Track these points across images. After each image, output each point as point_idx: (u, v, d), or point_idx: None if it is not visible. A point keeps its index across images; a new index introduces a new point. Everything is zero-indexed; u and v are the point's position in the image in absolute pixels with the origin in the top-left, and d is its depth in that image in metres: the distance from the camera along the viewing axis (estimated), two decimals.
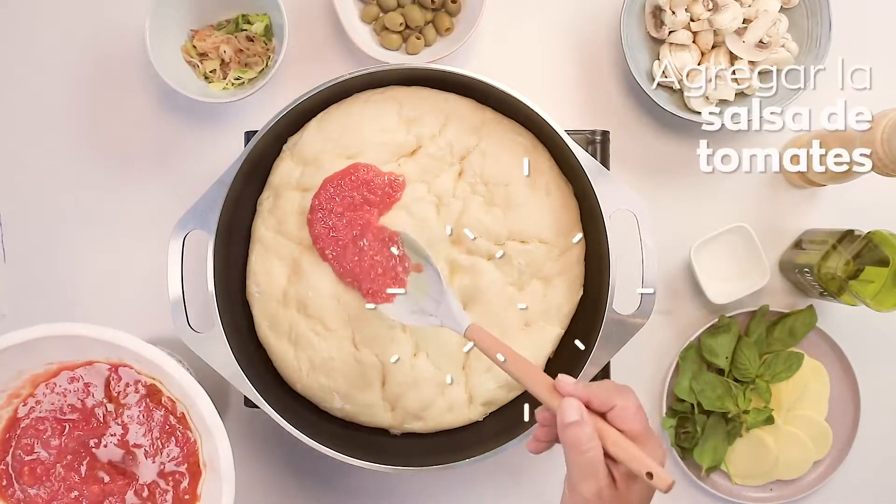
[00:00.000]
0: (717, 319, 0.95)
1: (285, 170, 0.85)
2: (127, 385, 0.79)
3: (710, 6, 0.90)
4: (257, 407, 0.80)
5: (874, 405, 0.97)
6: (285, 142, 0.87)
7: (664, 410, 0.96)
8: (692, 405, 0.95)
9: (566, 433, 0.61)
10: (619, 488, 0.61)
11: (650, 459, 0.59)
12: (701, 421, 0.94)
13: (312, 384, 0.85)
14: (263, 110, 0.95)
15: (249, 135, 0.89)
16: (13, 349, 0.73)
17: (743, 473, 0.96)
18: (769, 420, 0.94)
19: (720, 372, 0.95)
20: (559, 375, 0.64)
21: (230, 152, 0.94)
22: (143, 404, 0.79)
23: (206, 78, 0.96)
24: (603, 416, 0.62)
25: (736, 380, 0.95)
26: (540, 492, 0.99)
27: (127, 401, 0.79)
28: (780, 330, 0.95)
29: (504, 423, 0.85)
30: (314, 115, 0.86)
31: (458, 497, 0.99)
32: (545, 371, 0.86)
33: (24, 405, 0.79)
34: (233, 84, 0.96)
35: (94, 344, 0.75)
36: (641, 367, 0.98)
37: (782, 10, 0.93)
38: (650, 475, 0.59)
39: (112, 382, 0.79)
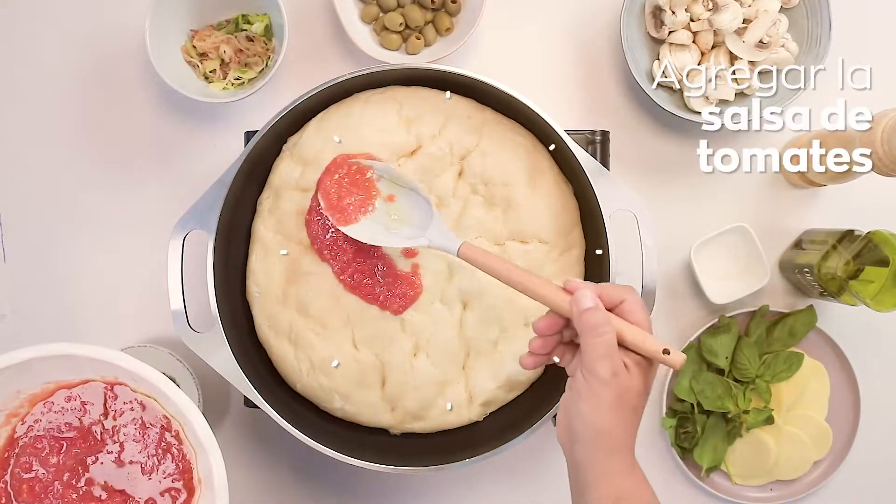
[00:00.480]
0: (717, 319, 0.95)
1: (285, 170, 0.85)
2: (123, 403, 0.79)
3: (710, 6, 0.90)
4: (257, 407, 0.80)
5: (874, 405, 0.97)
6: (285, 142, 0.87)
7: (664, 410, 0.96)
8: (692, 405, 0.95)
9: (583, 318, 0.64)
10: (632, 372, 0.64)
11: (660, 341, 0.64)
12: (701, 421, 0.94)
13: (312, 384, 0.85)
14: (263, 110, 0.95)
15: (249, 135, 0.89)
16: (9, 370, 0.74)
17: (743, 473, 0.96)
18: (769, 420, 0.94)
19: (720, 372, 0.95)
20: (567, 278, 0.67)
21: (230, 152, 0.94)
22: (139, 422, 0.79)
23: (206, 78, 0.96)
24: (612, 311, 0.66)
25: (736, 380, 0.95)
26: (540, 492, 0.99)
27: (123, 419, 0.79)
28: (780, 330, 0.95)
29: (504, 423, 0.85)
30: (314, 115, 0.86)
31: (458, 497, 0.99)
32: (545, 373, 0.86)
33: (23, 424, 0.79)
34: (233, 84, 0.96)
35: (90, 363, 0.75)
36: None
37: (782, 10, 0.93)
38: (667, 351, 0.64)
39: (109, 401, 0.80)
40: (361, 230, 0.80)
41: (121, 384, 0.79)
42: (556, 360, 0.70)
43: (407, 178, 0.79)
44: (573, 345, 0.69)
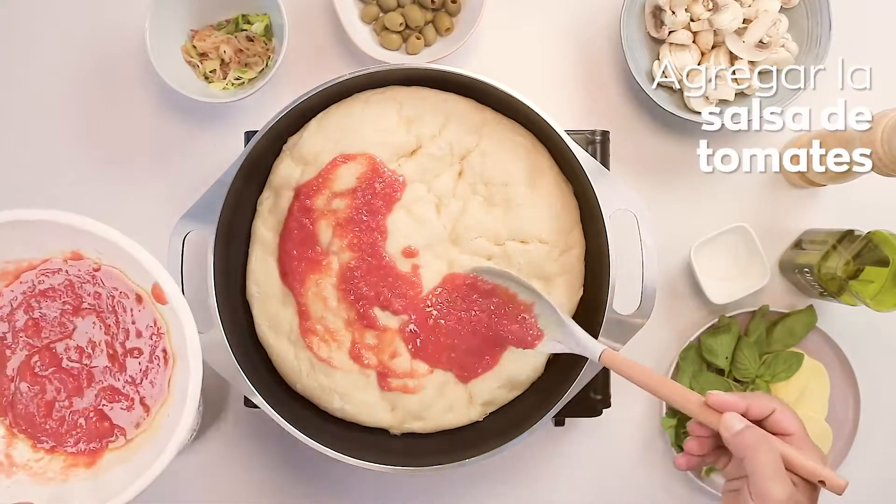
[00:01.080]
0: (717, 319, 0.95)
1: (285, 170, 0.85)
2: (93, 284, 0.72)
3: (710, 6, 0.90)
4: (257, 407, 0.80)
5: (874, 405, 0.97)
6: (285, 142, 0.87)
7: (664, 410, 0.96)
8: None
9: (738, 440, 0.61)
10: (800, 489, 0.60)
11: (820, 464, 0.59)
12: None
13: (312, 384, 0.85)
14: (263, 110, 0.95)
15: (249, 135, 0.89)
16: None
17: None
18: None
19: (720, 372, 0.95)
20: (709, 392, 0.63)
21: (230, 152, 0.94)
22: (113, 298, 0.72)
23: (206, 78, 0.96)
24: (761, 424, 0.62)
25: (736, 380, 0.95)
26: (540, 492, 0.99)
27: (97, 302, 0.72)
28: (780, 330, 0.95)
29: (504, 423, 0.85)
30: (314, 115, 0.86)
31: (458, 497, 0.99)
32: (546, 370, 0.86)
33: None
34: (233, 84, 0.96)
35: (50, 234, 0.67)
36: None
37: (782, 10, 0.93)
38: (822, 483, 0.59)
39: (75, 282, 0.72)
40: None
41: (81, 258, 0.71)
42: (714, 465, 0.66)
43: (528, 284, 0.79)
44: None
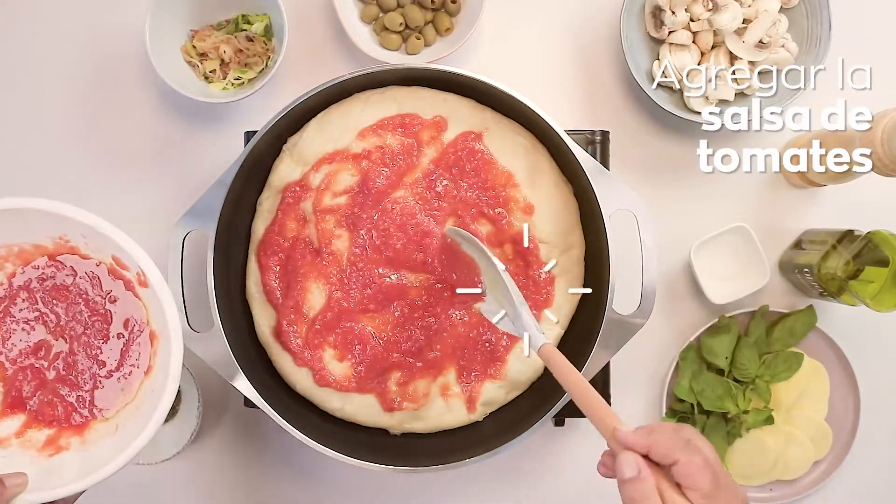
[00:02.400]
0: (716, 320, 0.95)
1: (285, 170, 0.85)
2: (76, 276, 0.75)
3: (710, 6, 0.90)
4: (257, 407, 0.80)
5: (874, 405, 0.97)
6: (285, 142, 0.87)
7: (664, 410, 0.96)
8: (692, 405, 0.95)
9: (623, 489, 0.57)
10: None
11: None
12: (701, 421, 0.94)
13: (312, 384, 0.85)
14: (263, 110, 0.95)
15: (249, 135, 0.89)
16: None
17: (743, 473, 0.96)
18: (769, 420, 0.94)
19: (720, 372, 0.95)
20: (617, 425, 0.59)
21: (230, 152, 0.94)
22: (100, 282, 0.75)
23: (206, 78, 0.96)
24: (668, 468, 0.57)
25: (736, 380, 0.95)
26: (540, 492, 0.99)
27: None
28: (780, 330, 0.95)
29: (504, 423, 0.85)
30: (314, 115, 0.86)
31: (458, 497, 0.99)
32: (545, 373, 0.86)
33: None
34: (233, 84, 0.96)
35: (39, 223, 0.70)
36: (641, 367, 0.98)
37: (782, 10, 0.93)
38: None
39: (58, 275, 0.75)
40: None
41: (70, 252, 0.74)
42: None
43: (487, 253, 0.75)
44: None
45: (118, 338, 0.76)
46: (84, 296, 0.76)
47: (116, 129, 1.00)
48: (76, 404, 0.75)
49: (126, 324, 0.76)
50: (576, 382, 0.64)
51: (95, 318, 0.76)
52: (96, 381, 0.76)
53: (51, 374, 0.76)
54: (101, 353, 0.76)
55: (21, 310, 0.76)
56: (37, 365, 0.76)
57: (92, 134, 1.00)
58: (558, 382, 0.65)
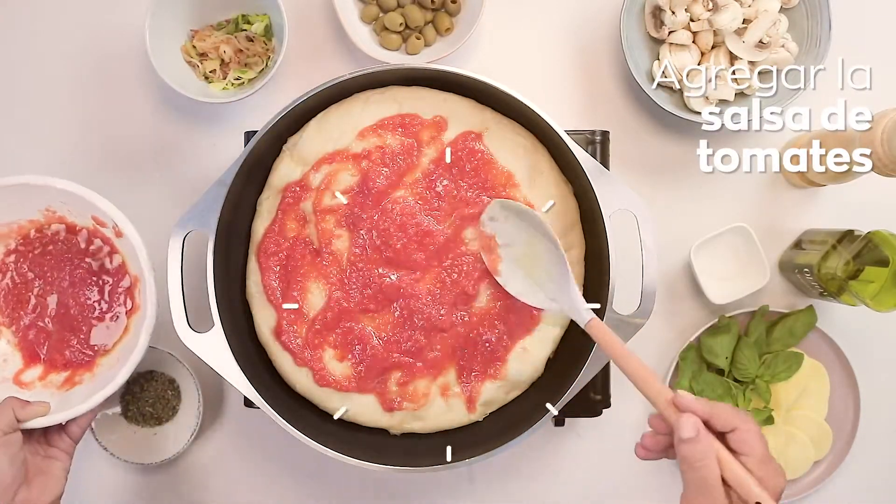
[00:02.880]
0: (717, 320, 0.95)
1: (285, 170, 0.85)
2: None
3: (710, 6, 0.90)
4: (257, 407, 0.80)
5: (874, 405, 0.97)
6: (285, 142, 0.87)
7: None
8: None
9: (681, 448, 0.60)
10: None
11: (760, 489, 0.58)
12: None
13: (312, 384, 0.85)
14: (263, 110, 0.95)
15: (249, 135, 0.89)
16: None
17: None
18: (769, 420, 0.94)
19: (720, 372, 0.95)
20: (679, 391, 0.63)
21: (230, 152, 0.94)
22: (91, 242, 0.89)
23: (206, 78, 0.96)
24: (723, 437, 0.61)
25: (736, 380, 0.95)
26: (540, 492, 0.99)
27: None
28: (780, 330, 0.95)
29: (504, 423, 0.85)
30: (314, 115, 0.86)
31: (459, 497, 0.99)
32: (546, 370, 0.86)
33: None
34: (233, 84, 0.96)
35: (28, 198, 0.83)
36: None
37: (782, 10, 0.93)
38: None
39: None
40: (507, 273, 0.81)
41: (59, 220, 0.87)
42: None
43: (546, 227, 0.77)
44: None
45: (103, 284, 0.89)
46: (71, 255, 0.89)
47: (116, 129, 1.00)
48: (80, 347, 0.88)
49: (109, 272, 0.89)
50: (625, 355, 0.67)
51: (80, 272, 0.89)
52: (90, 324, 0.88)
53: (52, 328, 0.88)
54: (90, 300, 0.89)
55: (22, 278, 0.89)
56: (40, 323, 0.88)
57: (92, 134, 0.99)
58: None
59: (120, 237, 0.84)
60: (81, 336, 0.88)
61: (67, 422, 0.80)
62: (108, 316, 0.89)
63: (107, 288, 0.89)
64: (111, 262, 0.88)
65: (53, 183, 0.81)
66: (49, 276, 0.89)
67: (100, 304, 0.89)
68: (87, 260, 0.89)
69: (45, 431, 0.81)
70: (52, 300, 0.89)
